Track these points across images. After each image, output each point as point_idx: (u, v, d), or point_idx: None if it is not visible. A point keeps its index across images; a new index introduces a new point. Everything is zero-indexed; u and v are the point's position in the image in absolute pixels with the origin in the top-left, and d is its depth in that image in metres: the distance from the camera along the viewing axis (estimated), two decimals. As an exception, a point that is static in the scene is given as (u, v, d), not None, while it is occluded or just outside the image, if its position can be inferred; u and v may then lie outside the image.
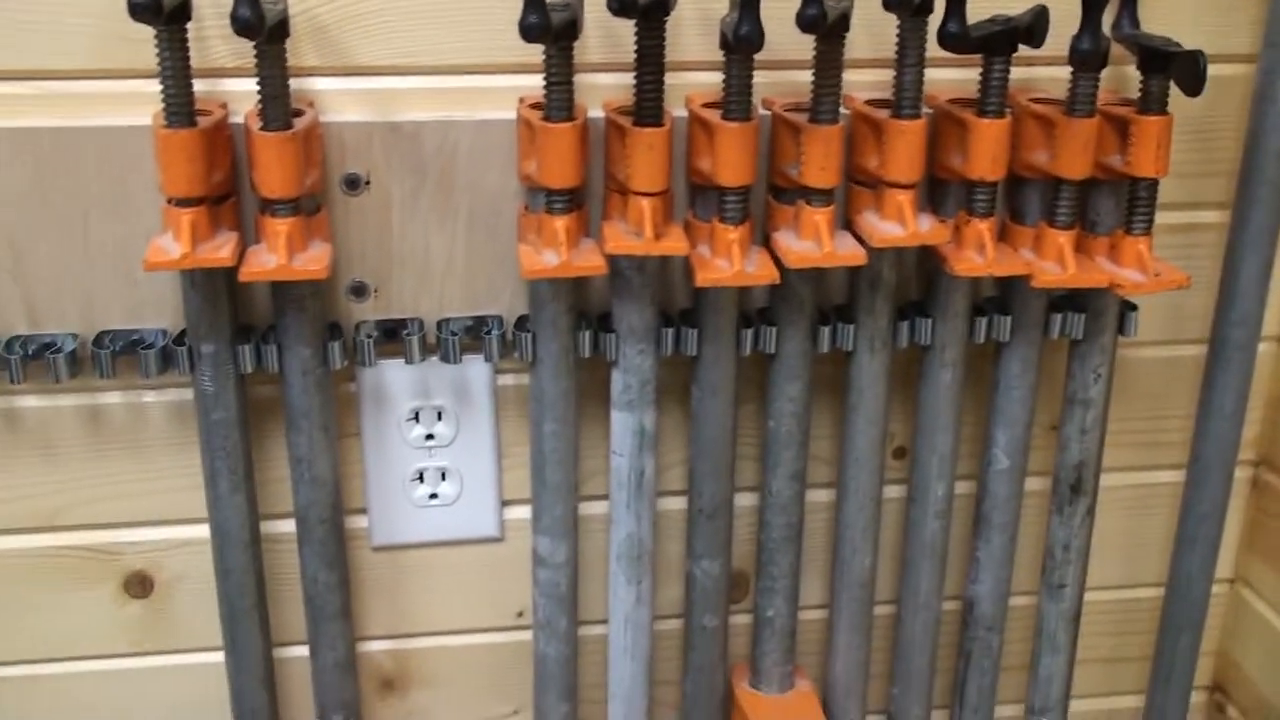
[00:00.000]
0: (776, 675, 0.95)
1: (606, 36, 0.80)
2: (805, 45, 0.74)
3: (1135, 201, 0.83)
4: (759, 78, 0.75)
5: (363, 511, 0.90)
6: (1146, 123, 0.79)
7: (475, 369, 0.86)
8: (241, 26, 0.67)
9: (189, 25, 0.70)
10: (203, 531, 0.85)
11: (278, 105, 0.72)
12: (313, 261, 0.75)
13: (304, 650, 0.90)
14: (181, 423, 0.85)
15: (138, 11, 0.66)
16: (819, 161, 0.76)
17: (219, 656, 0.88)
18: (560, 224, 0.77)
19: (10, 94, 0.76)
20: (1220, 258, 0.93)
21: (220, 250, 0.73)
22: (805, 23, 0.70)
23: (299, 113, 0.75)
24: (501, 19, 0.78)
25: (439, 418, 0.87)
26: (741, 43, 0.70)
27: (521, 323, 0.84)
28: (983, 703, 0.99)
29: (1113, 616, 1.05)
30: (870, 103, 0.80)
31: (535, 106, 0.77)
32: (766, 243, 0.82)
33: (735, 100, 0.75)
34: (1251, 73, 0.88)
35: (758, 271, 0.78)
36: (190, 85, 0.71)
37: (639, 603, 0.89)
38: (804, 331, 0.85)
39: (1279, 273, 0.92)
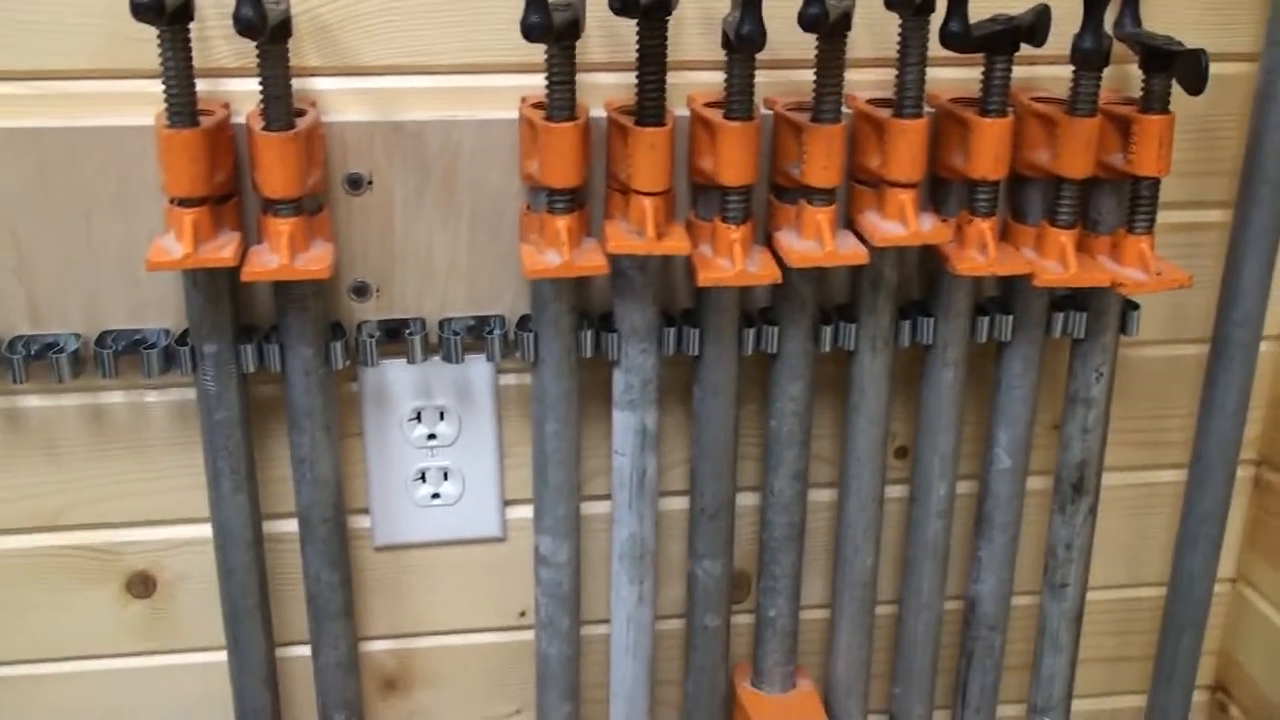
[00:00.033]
0: (778, 675, 0.95)
1: (608, 36, 0.80)
2: (807, 45, 0.74)
3: (1137, 200, 0.83)
4: (761, 77, 0.75)
5: (365, 511, 0.90)
6: (1148, 122, 0.79)
7: (477, 369, 0.86)
8: (244, 26, 0.67)
9: (191, 25, 0.70)
10: (205, 531, 0.85)
11: (280, 105, 0.72)
12: (315, 261, 0.75)
13: (306, 650, 0.90)
14: (184, 422, 0.85)
15: (140, 12, 0.66)
16: (821, 161, 0.76)
17: (221, 656, 0.88)
18: (562, 223, 0.77)
19: (13, 94, 0.76)
20: (1222, 257, 0.93)
21: (222, 250, 0.73)
22: (807, 22, 0.70)
23: (301, 112, 0.75)
24: (503, 18, 0.78)
25: (441, 417, 0.87)
26: (743, 42, 0.70)
27: (524, 322, 0.84)
28: (985, 702, 0.99)
29: (1115, 616, 1.05)
30: (872, 102, 0.80)
31: (537, 106, 0.77)
32: (768, 242, 0.82)
33: (737, 99, 0.75)
34: (1253, 71, 0.88)
35: (760, 271, 0.78)
36: (193, 85, 0.71)
37: (641, 602, 0.89)
38: (806, 331, 0.85)
39: (1281, 272, 0.93)
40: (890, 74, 0.77)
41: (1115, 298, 0.87)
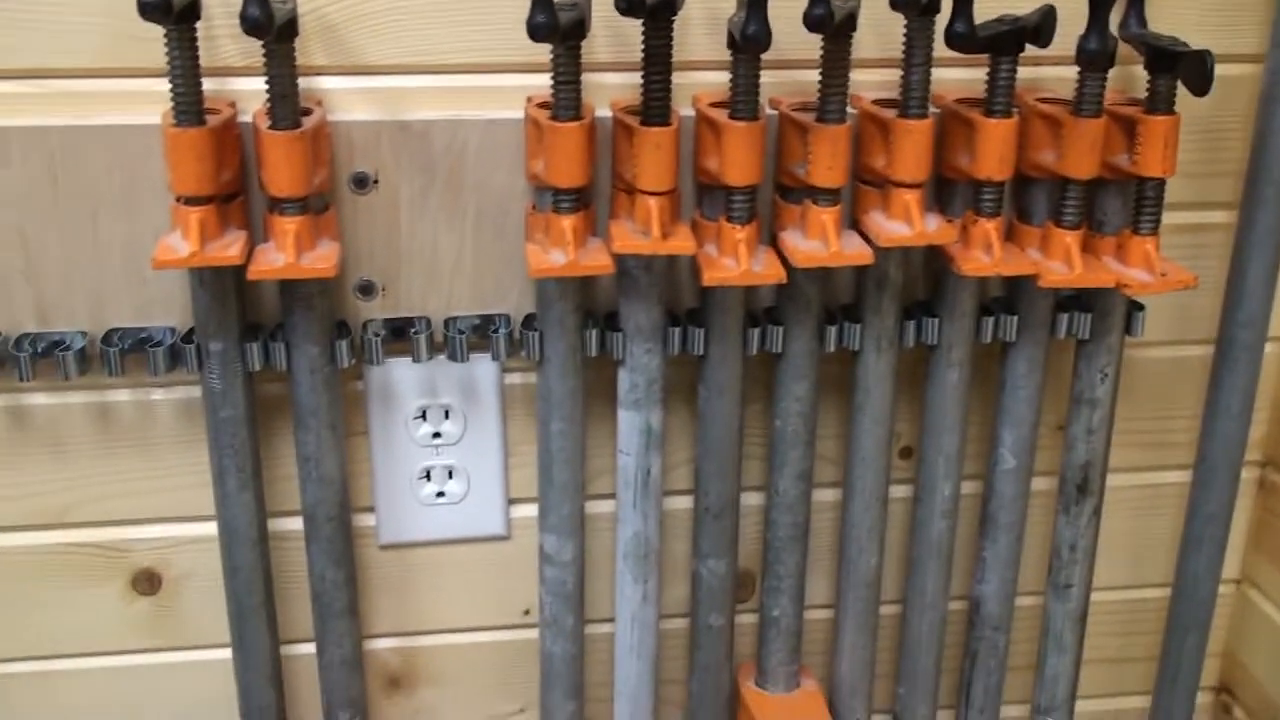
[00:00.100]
0: (782, 674, 0.95)
1: (614, 36, 0.80)
2: (812, 45, 0.74)
3: (1142, 201, 0.82)
4: (766, 77, 0.75)
5: (370, 509, 0.90)
6: (1154, 122, 0.79)
7: (482, 368, 0.87)
8: (250, 26, 0.67)
9: (198, 24, 0.70)
10: (210, 529, 0.85)
11: (286, 104, 0.72)
12: (321, 260, 0.75)
13: (311, 648, 0.90)
14: (189, 421, 0.85)
15: (147, 11, 0.66)
16: (826, 161, 0.76)
17: (226, 654, 0.89)
18: (567, 223, 0.77)
19: (19, 93, 0.76)
20: (1227, 258, 0.93)
21: (229, 249, 0.74)
22: (812, 22, 0.70)
23: (307, 111, 0.75)
24: (509, 18, 0.78)
25: (446, 416, 0.88)
26: (749, 42, 0.70)
27: (529, 321, 0.84)
28: (989, 703, 0.99)
29: (1119, 617, 1.05)
30: (877, 102, 0.80)
31: (543, 106, 0.77)
32: (773, 242, 0.82)
33: (742, 100, 0.75)
34: (1259, 73, 0.88)
35: (765, 271, 0.78)
36: (199, 84, 0.71)
37: (645, 601, 0.89)
38: (810, 331, 0.85)
39: (1286, 273, 0.93)
40: (895, 74, 0.77)
41: (1120, 298, 0.87)
